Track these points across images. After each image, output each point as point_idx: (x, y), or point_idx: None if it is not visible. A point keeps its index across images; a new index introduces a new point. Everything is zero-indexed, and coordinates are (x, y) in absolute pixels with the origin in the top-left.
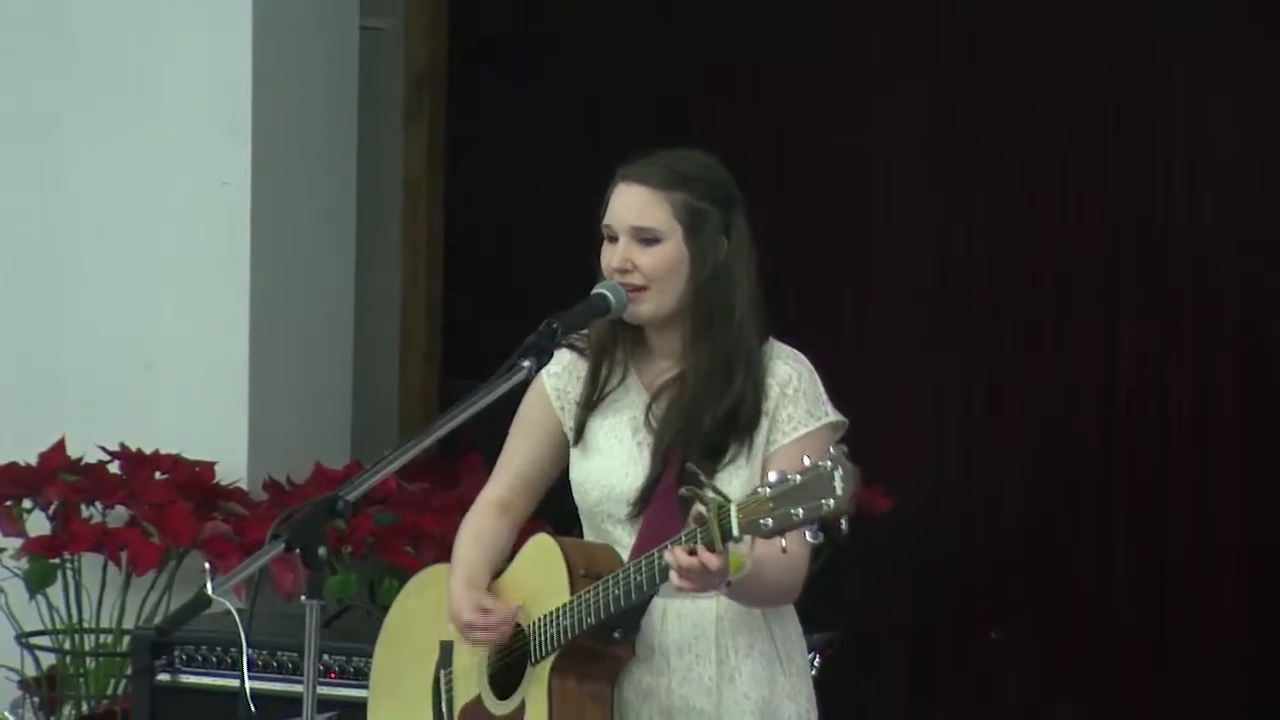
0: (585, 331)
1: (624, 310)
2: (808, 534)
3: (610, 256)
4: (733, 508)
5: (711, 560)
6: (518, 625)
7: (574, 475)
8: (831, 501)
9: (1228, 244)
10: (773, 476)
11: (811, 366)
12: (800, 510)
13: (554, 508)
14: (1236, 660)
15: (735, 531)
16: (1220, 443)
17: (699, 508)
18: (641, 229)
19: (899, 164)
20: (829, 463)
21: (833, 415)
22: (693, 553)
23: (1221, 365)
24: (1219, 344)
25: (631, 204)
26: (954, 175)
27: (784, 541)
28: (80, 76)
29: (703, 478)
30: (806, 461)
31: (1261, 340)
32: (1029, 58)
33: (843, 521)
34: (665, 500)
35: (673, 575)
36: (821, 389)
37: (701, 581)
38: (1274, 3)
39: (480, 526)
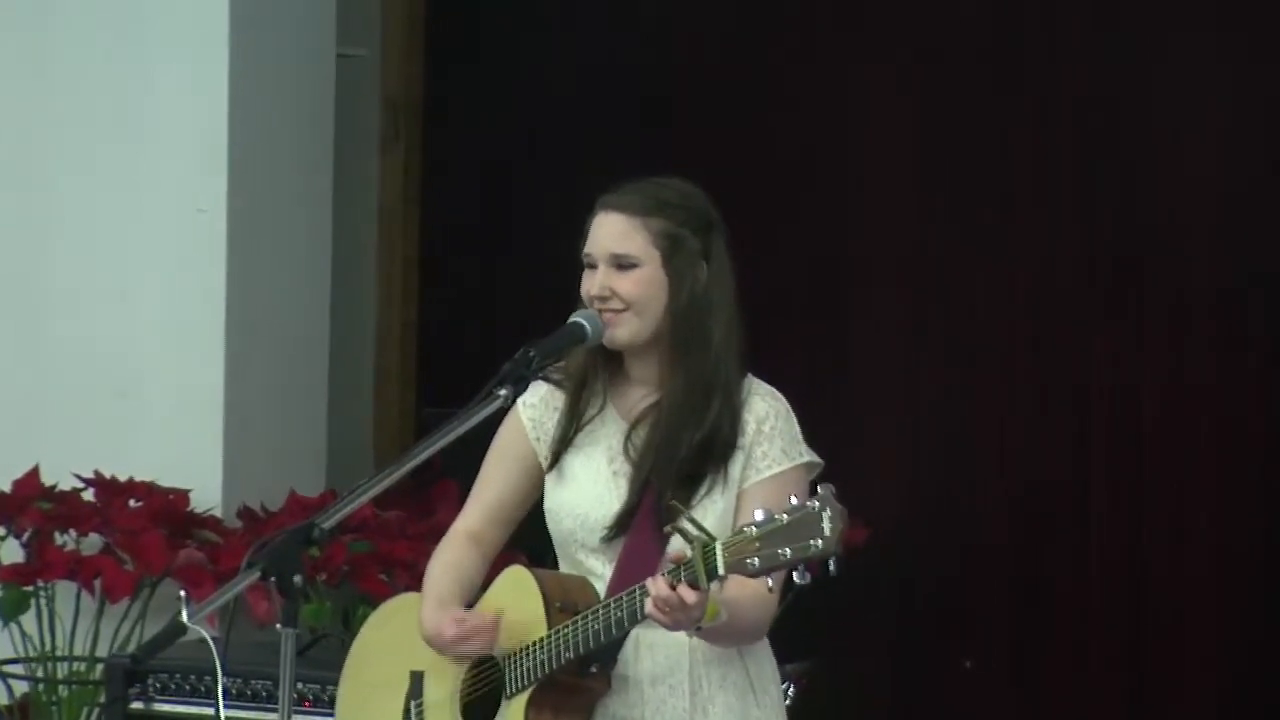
0: (562, 364)
1: (601, 338)
2: (795, 575)
3: (589, 284)
4: (718, 546)
5: (690, 595)
6: (491, 658)
7: (548, 504)
8: (820, 542)
9: (1201, 256)
10: (759, 515)
11: (789, 406)
12: (788, 550)
13: (530, 538)
14: (1214, 687)
15: (721, 570)
16: (1197, 471)
17: (679, 547)
18: (619, 255)
19: (881, 189)
20: (817, 503)
21: (807, 455)
22: (674, 587)
23: (1195, 388)
24: (1192, 365)
25: (610, 231)
26: (934, 202)
27: (770, 581)
28: (59, 105)
29: (686, 515)
30: (794, 500)
31: (1237, 354)
32: (1009, 63)
33: (831, 562)
34: (642, 531)
35: (648, 603)
36: (797, 429)
37: (675, 617)
38: (1247, 8)
39: (451, 559)
